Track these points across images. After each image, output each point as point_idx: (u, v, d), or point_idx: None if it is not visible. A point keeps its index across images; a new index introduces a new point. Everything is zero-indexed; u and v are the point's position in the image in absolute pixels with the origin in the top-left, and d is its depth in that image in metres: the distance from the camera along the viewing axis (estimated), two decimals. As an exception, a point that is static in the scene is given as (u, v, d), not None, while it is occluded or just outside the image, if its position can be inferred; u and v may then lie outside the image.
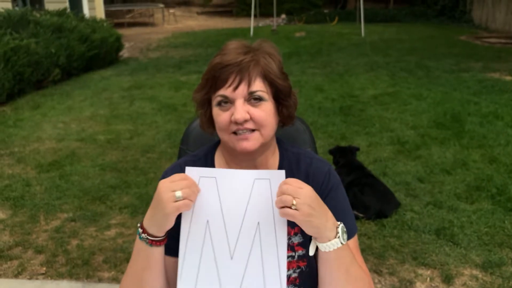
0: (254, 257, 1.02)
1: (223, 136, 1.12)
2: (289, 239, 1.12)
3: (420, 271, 2.58)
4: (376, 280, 2.53)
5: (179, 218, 1.05)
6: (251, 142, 1.08)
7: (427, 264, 2.64)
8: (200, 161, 1.22)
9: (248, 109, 1.07)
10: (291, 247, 1.13)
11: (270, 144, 1.17)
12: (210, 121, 1.15)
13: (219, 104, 1.09)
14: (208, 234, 1.03)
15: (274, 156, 1.21)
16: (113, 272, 2.64)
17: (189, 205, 1.00)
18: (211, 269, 1.03)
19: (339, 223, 1.03)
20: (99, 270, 2.66)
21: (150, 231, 1.02)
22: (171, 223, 1.01)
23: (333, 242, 1.01)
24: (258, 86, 1.08)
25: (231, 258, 1.03)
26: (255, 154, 1.13)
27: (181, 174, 1.03)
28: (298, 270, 1.15)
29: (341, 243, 1.02)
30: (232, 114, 1.06)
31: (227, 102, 1.08)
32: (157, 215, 1.00)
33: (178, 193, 0.97)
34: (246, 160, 1.16)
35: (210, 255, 1.03)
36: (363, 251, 2.75)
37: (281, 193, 0.98)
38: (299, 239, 1.16)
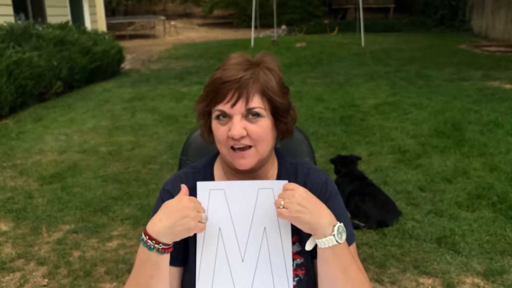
0: (263, 259, 1.12)
1: (222, 149, 1.15)
2: None
3: (421, 280, 2.58)
4: (378, 289, 2.53)
5: None
6: (248, 159, 1.12)
7: (428, 272, 2.64)
8: (199, 173, 1.25)
9: (245, 125, 1.10)
10: None
11: (269, 157, 1.20)
12: (210, 131, 1.19)
13: (217, 117, 1.13)
14: (221, 240, 1.13)
15: (273, 168, 1.24)
16: (115, 284, 2.64)
17: (204, 229, 1.09)
18: (225, 270, 1.13)
19: (338, 222, 1.07)
20: (101, 281, 2.67)
21: (163, 240, 1.04)
22: (188, 236, 1.07)
23: (328, 238, 1.05)
24: (256, 103, 1.10)
25: (242, 260, 1.13)
26: (253, 169, 1.17)
27: (198, 200, 1.10)
28: (296, 279, 1.16)
29: (337, 241, 1.05)
30: (230, 129, 1.10)
31: (225, 116, 1.11)
32: (177, 227, 1.03)
33: (204, 216, 1.07)
34: (245, 173, 1.18)
35: (223, 258, 1.13)
36: (364, 260, 2.76)
37: (277, 198, 1.08)
38: (297, 248, 1.18)
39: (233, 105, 1.09)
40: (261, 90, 1.11)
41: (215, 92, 1.11)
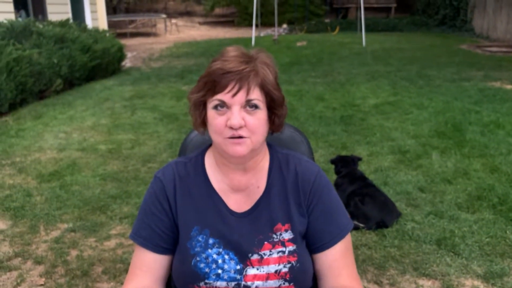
0: None
1: (216, 138, 1.17)
2: (279, 235, 1.19)
3: (421, 282, 2.57)
4: (377, 291, 2.51)
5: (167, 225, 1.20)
6: (243, 147, 1.14)
7: (428, 274, 2.62)
8: (190, 162, 1.28)
9: (244, 116, 1.13)
10: (281, 243, 1.19)
11: (260, 149, 1.23)
12: (203, 122, 1.21)
13: (215, 107, 1.14)
14: None
15: (265, 159, 1.26)
16: (112, 283, 2.63)
17: None
18: None
19: None
20: (98, 281, 2.66)
21: None
22: None
23: None
24: (256, 95, 1.13)
25: None
26: (245, 158, 1.19)
27: None
28: (288, 265, 1.17)
29: None
30: (228, 119, 1.12)
31: (223, 106, 1.13)
32: None
33: None
34: (236, 163, 1.21)
35: None
36: (363, 261, 2.74)
37: None
38: (289, 235, 1.20)
39: (234, 95, 1.11)
40: (261, 84, 1.14)
41: (215, 82, 1.12)
